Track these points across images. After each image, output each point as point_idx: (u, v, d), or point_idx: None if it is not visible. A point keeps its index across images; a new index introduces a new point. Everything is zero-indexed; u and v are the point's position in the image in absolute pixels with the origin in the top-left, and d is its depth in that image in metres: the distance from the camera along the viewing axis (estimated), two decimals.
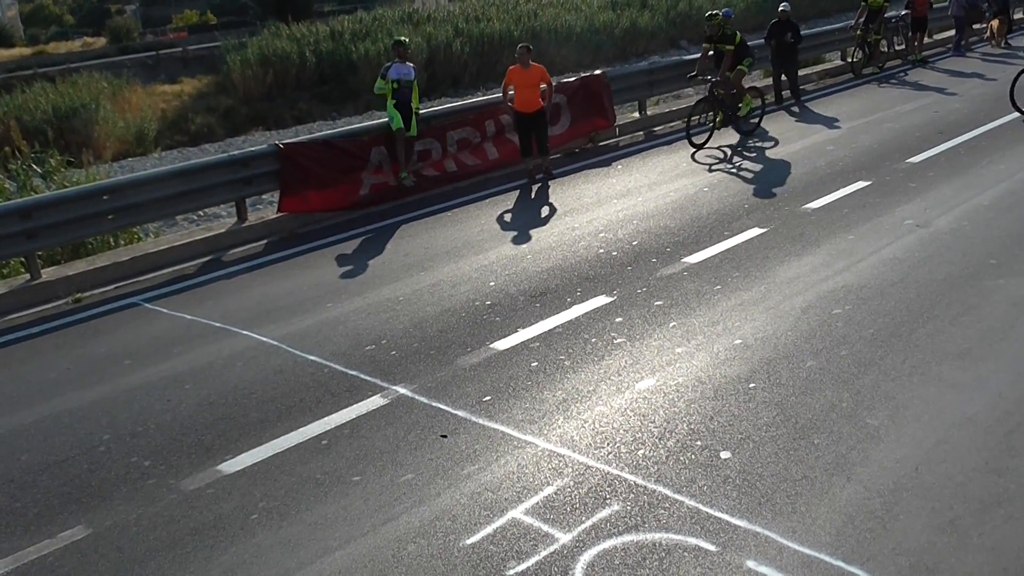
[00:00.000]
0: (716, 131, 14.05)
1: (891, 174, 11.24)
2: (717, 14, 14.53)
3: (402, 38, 13.09)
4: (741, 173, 12.03)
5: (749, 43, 16.81)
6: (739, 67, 14.40)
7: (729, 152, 13.41)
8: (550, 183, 12.56)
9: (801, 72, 19.52)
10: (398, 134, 12.20)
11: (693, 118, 13.85)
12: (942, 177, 10.89)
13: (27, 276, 9.95)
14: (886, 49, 20.30)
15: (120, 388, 7.17)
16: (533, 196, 12.02)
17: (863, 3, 19.45)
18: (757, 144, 13.84)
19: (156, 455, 6.05)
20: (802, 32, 18.12)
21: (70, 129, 21.98)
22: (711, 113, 14.13)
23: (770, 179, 11.55)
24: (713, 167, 12.54)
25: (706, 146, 13.66)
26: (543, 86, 12.67)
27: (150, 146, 22.82)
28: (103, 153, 21.29)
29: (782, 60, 16.88)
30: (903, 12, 21.07)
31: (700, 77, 14.63)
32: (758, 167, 12.29)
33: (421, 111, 12.70)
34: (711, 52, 14.69)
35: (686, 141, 13.66)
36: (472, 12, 32.73)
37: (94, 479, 5.83)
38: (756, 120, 14.82)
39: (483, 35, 29.63)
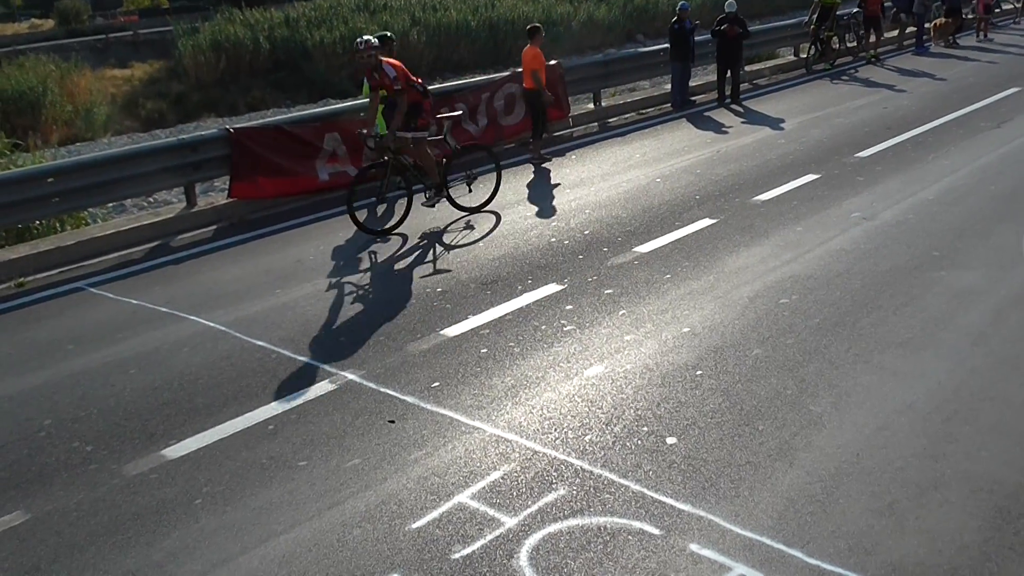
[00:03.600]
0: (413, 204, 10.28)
1: (840, 168, 11.41)
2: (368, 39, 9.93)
3: (388, 33, 12.01)
4: (693, 165, 12.12)
5: (698, 37, 16.92)
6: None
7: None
8: (503, 172, 12.55)
9: (754, 67, 19.76)
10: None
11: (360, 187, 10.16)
12: (889, 171, 11.08)
13: None
14: (837, 46, 20.59)
15: (63, 373, 7.04)
16: (485, 186, 12.00)
17: (816, 0, 19.70)
18: (708, 136, 13.96)
19: (98, 440, 5.96)
20: (757, 27, 18.31)
21: (16, 112, 21.52)
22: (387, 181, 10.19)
23: (721, 171, 11.66)
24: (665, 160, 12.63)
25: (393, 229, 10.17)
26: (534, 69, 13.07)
27: (99, 131, 22.42)
28: (50, 137, 20.89)
29: (727, 56, 16.93)
30: (855, 10, 21.39)
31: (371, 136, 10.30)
32: (710, 159, 12.39)
33: None
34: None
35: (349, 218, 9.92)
36: (429, 1, 32.56)
37: (34, 464, 5.73)
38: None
39: (440, 24, 29.51)
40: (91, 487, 5.41)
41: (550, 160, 13.21)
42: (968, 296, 7.25)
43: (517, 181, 12.07)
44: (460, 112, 12.44)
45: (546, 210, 10.50)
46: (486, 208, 10.68)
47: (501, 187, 10.93)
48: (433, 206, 10.48)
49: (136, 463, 5.63)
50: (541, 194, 11.29)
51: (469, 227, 10.08)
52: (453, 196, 10.54)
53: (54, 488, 5.43)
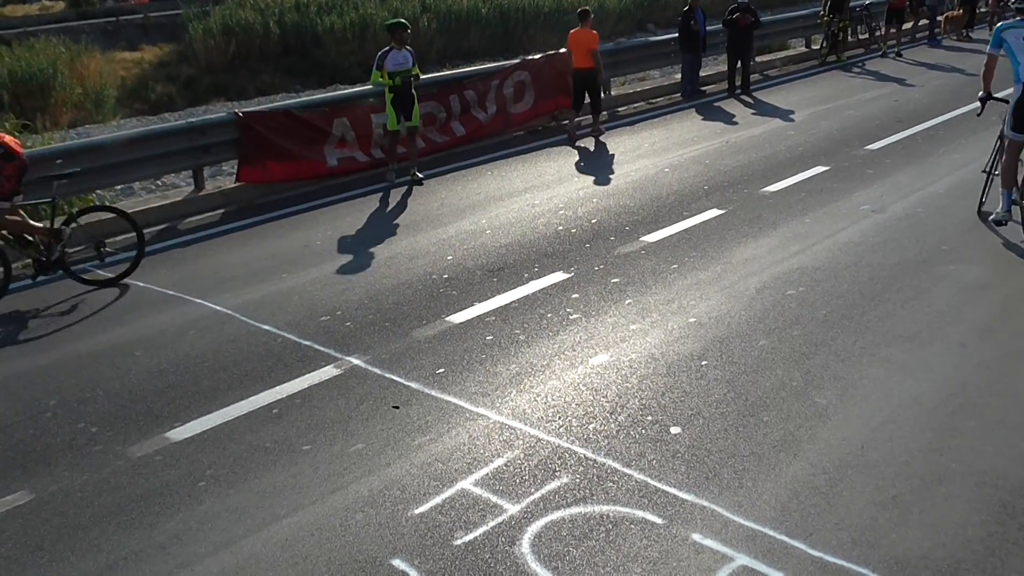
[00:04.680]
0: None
1: (849, 160, 11.35)
2: None
3: (401, 20, 11.94)
4: (702, 155, 12.09)
5: (708, 28, 16.86)
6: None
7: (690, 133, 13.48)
8: (510, 160, 12.55)
9: (765, 58, 19.68)
10: (393, 134, 11.75)
11: None
12: (899, 164, 11.02)
13: None
14: (846, 38, 20.45)
15: (69, 354, 7.06)
16: (493, 174, 11.98)
17: None
18: (718, 127, 13.91)
19: (103, 422, 5.97)
20: (768, 18, 18.22)
21: (26, 94, 21.48)
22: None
23: (730, 162, 11.62)
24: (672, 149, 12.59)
25: None
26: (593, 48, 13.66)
27: (108, 114, 22.37)
28: (60, 119, 20.84)
29: (738, 47, 16.84)
30: (867, 1, 21.25)
31: None
32: (719, 150, 12.35)
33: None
34: None
35: None
36: None
37: (39, 444, 5.74)
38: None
39: (450, 11, 29.38)
40: (96, 468, 5.42)
41: (604, 133, 14.02)
42: (976, 290, 7.22)
43: (526, 169, 12.05)
44: (77, 170, 9.46)
45: (553, 198, 10.47)
46: (122, 281, 8.63)
47: (509, 175, 10.86)
48: (35, 277, 8.61)
49: (141, 445, 5.64)
50: (548, 182, 11.25)
51: (480, 222, 10.07)
52: (73, 268, 8.68)
53: (59, 469, 5.45)
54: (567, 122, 14.18)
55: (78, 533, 4.81)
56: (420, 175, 11.81)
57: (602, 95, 14.56)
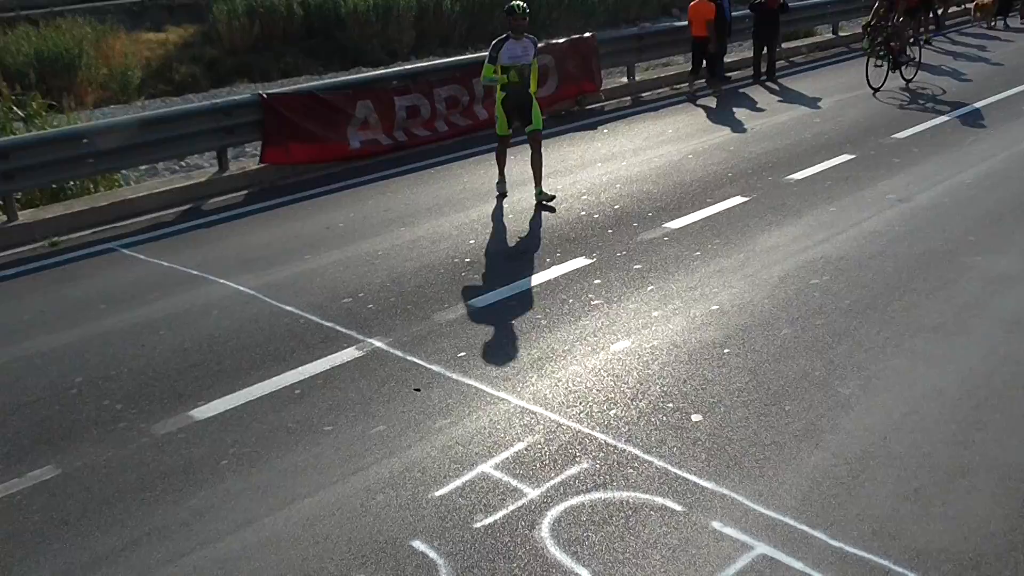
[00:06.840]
0: None
1: (876, 148, 11.26)
2: None
3: (517, 3, 9.46)
4: (726, 142, 12.02)
5: (734, 14, 16.76)
6: None
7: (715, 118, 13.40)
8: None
9: (791, 44, 19.49)
10: (503, 140, 10.08)
11: None
12: (926, 153, 10.92)
13: (3, 218, 9.83)
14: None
15: (94, 332, 7.12)
16: (516, 157, 11.95)
17: None
18: (742, 113, 13.81)
19: (128, 399, 6.03)
20: (796, 3, 18.01)
21: (52, 74, 21.59)
22: None
23: (755, 149, 11.54)
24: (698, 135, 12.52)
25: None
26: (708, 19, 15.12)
27: (133, 94, 22.45)
28: (85, 99, 20.93)
29: (764, 33, 16.65)
30: None
31: None
32: (744, 136, 12.27)
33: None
34: None
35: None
36: None
37: (65, 421, 5.81)
38: None
39: None
40: (120, 445, 5.48)
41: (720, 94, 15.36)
42: (1003, 282, 7.15)
43: (548, 154, 11.91)
44: None
45: (576, 183, 10.44)
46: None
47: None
48: None
49: (165, 423, 5.70)
50: (570, 167, 11.21)
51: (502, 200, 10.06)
52: None
53: (84, 445, 5.51)
54: (687, 85, 15.68)
55: (103, 508, 4.87)
56: (549, 195, 9.78)
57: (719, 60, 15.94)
